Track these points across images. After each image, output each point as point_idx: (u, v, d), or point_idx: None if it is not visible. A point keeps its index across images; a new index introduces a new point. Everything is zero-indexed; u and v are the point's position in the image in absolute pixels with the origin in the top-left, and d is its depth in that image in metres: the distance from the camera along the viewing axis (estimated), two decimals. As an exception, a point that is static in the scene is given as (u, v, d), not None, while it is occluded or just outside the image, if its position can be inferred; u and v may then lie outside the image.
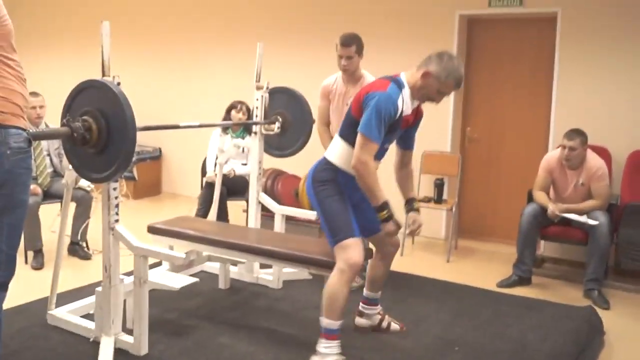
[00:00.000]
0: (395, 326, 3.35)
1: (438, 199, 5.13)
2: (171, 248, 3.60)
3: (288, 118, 4.00)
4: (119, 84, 2.67)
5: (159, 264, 4.09)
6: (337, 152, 2.92)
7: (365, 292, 3.31)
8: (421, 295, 4.01)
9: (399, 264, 4.46)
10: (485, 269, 4.74)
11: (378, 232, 2.99)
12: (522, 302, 3.97)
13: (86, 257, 4.63)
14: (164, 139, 7.31)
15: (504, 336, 3.39)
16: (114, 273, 2.97)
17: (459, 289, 4.21)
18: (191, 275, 3.87)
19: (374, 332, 3.30)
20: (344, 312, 2.80)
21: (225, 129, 5.28)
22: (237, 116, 5.20)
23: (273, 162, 4.97)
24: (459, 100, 5.56)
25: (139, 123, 2.53)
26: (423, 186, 5.43)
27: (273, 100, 4.01)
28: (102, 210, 2.95)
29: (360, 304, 3.34)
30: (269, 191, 5.32)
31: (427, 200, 5.16)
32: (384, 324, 3.34)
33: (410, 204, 3.04)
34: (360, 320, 3.34)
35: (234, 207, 5.61)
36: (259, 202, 4.11)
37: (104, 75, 2.73)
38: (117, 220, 2.94)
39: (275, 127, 3.97)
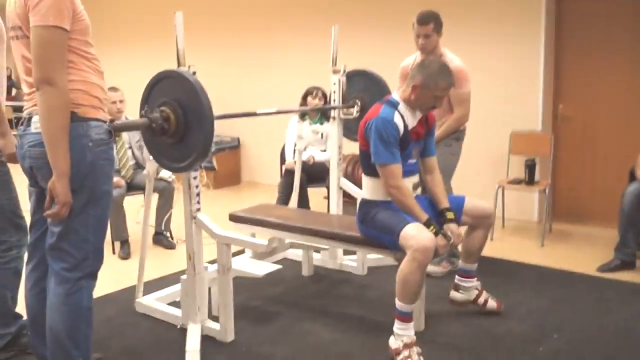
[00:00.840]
0: (492, 303, 3.32)
1: (529, 181, 4.98)
2: (253, 236, 3.65)
3: (367, 101, 3.96)
4: (194, 73, 2.70)
5: (241, 251, 4.16)
6: (368, 188, 3.05)
7: (460, 263, 3.32)
8: (515, 282, 3.92)
9: (489, 249, 4.36)
10: (583, 254, 4.56)
11: (462, 204, 3.11)
12: (626, 288, 3.81)
13: (170, 246, 4.76)
14: (242, 129, 7.44)
15: (607, 324, 3.25)
16: (198, 261, 3.03)
17: (556, 274, 4.08)
18: (274, 262, 3.91)
19: (468, 311, 3.29)
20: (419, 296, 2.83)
21: (302, 116, 5.31)
22: (314, 102, 5.22)
23: (353, 148, 4.93)
24: (549, 74, 5.37)
25: (216, 112, 2.56)
26: (513, 167, 5.32)
27: (351, 83, 4.00)
28: (183, 199, 3.02)
29: (456, 277, 3.34)
30: (349, 177, 5.34)
31: (518, 182, 5.02)
32: (481, 299, 3.31)
33: (443, 215, 3.04)
34: (455, 295, 3.34)
35: (315, 194, 5.64)
36: (340, 188, 4.11)
37: (179, 65, 2.78)
38: (198, 209, 2.99)
39: (354, 110, 3.96)
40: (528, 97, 5.33)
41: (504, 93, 5.47)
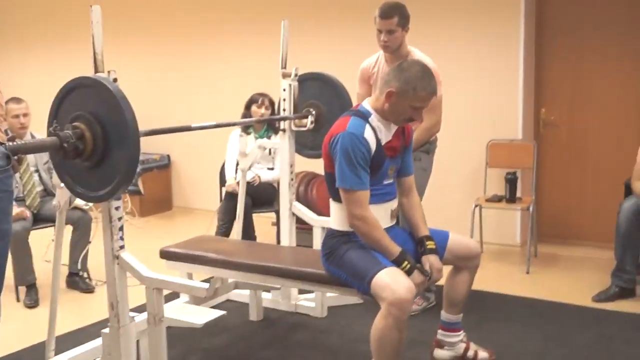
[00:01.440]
0: (483, 355, 3.29)
1: (511, 197, 5.02)
2: (190, 276, 3.60)
3: (323, 110, 3.96)
4: (115, 80, 2.64)
5: (176, 295, 4.07)
6: (336, 217, 3.00)
7: (443, 315, 3.27)
8: (500, 317, 3.92)
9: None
10: (575, 281, 4.61)
11: (445, 241, 3.08)
12: (629, 321, 3.84)
13: (88, 289, 4.64)
14: (174, 145, 7.34)
15: (610, 365, 3.25)
16: (123, 310, 2.92)
17: (546, 306, 4.10)
18: (216, 307, 3.86)
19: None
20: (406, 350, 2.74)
21: (246, 128, 5.26)
22: (259, 112, 5.19)
23: (305, 164, 4.92)
24: (529, 75, 5.44)
25: (142, 126, 2.51)
26: (491, 183, 5.37)
27: (303, 89, 3.99)
28: (103, 234, 2.92)
29: (439, 331, 3.29)
30: (302, 199, 5.31)
31: (498, 199, 5.04)
32: (470, 353, 3.27)
33: (422, 244, 2.99)
34: (440, 353, 3.29)
35: (262, 220, 5.58)
36: (293, 214, 4.07)
37: (96, 71, 2.69)
38: (122, 247, 2.90)
39: (308, 121, 3.93)
40: (506, 102, 5.39)
41: (480, 98, 5.53)
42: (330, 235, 3.02)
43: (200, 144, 6.97)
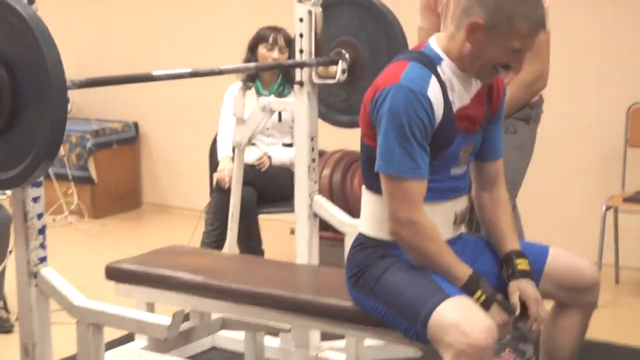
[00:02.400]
0: None
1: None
2: (150, 307, 3.61)
3: (361, 52, 3.96)
4: (31, 1, 2.72)
5: (129, 337, 4.07)
6: (369, 214, 3.06)
7: None
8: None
9: (590, 325, 4.25)
10: None
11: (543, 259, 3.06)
12: None
13: (3, 327, 4.71)
14: (144, 110, 7.44)
15: None
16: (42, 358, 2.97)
17: None
18: (192, 356, 3.91)
19: None
20: None
21: (248, 80, 5.24)
22: (270, 56, 5.21)
23: (341, 139, 4.87)
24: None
25: (81, 74, 2.60)
26: (633, 172, 5.34)
27: (331, 20, 4.00)
28: (14, 241, 3.00)
29: None
30: (337, 193, 5.35)
31: (642, 197, 4.99)
32: None
33: (510, 263, 3.02)
34: None
35: (274, 225, 5.70)
36: (315, 215, 4.09)
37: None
38: (42, 259, 2.98)
39: (338, 69, 3.92)
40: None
41: (611, 35, 5.49)
42: (360, 245, 3.02)
43: (184, 108, 7.00)
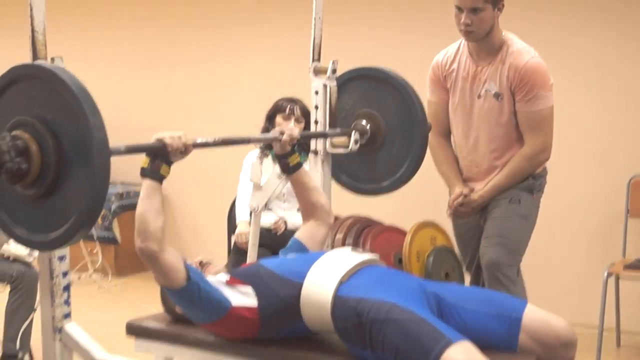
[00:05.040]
0: None
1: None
2: None
3: (378, 124, 3.97)
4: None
5: None
6: None
7: None
8: None
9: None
10: None
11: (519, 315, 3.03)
12: None
13: None
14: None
15: None
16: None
17: None
18: None
19: None
20: None
21: (266, 148, 5.29)
22: (287, 125, 5.18)
23: (355, 205, 4.91)
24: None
25: (114, 140, 2.52)
26: (633, 240, 5.32)
27: (347, 94, 4.01)
28: (40, 298, 2.98)
29: None
30: None
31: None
32: None
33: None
34: None
35: None
36: None
37: (35, 57, 2.74)
38: (67, 315, 2.96)
39: (351, 140, 3.91)
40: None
41: (612, 113, 5.53)
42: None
43: (205, 173, 7.03)
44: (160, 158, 2.92)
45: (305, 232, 3.54)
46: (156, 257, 2.89)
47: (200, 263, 3.56)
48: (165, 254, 2.91)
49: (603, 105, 5.54)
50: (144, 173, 2.94)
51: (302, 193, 3.57)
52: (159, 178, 2.93)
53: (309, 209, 3.57)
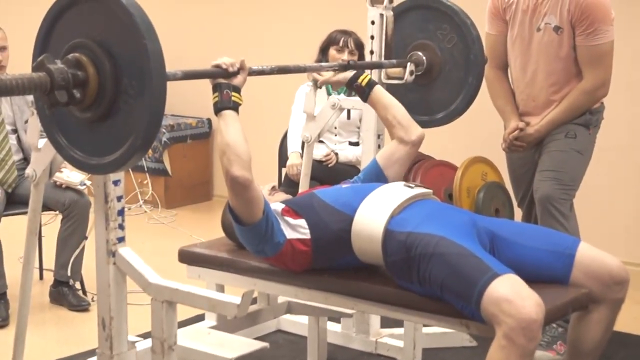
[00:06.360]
0: None
1: None
2: (220, 289, 3.62)
3: (434, 56, 3.93)
4: None
5: (200, 317, 4.11)
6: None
7: None
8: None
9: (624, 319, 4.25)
10: None
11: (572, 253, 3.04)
12: None
13: (81, 306, 4.73)
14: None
15: None
16: (119, 332, 2.99)
17: None
18: (259, 338, 3.87)
19: None
20: None
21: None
22: (340, 57, 5.19)
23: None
24: None
25: (170, 66, 2.52)
26: None
27: (404, 24, 3.99)
28: (95, 221, 3.00)
29: None
30: None
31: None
32: None
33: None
34: None
35: None
36: None
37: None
38: (120, 239, 2.98)
39: (407, 71, 3.87)
40: None
41: None
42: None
43: (257, 104, 7.00)
44: (225, 87, 2.95)
45: (385, 151, 3.60)
46: (249, 185, 2.89)
47: (273, 188, 3.59)
48: (254, 183, 2.92)
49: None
50: (219, 106, 2.98)
51: (380, 112, 3.57)
52: (235, 106, 2.96)
53: (388, 128, 3.58)
